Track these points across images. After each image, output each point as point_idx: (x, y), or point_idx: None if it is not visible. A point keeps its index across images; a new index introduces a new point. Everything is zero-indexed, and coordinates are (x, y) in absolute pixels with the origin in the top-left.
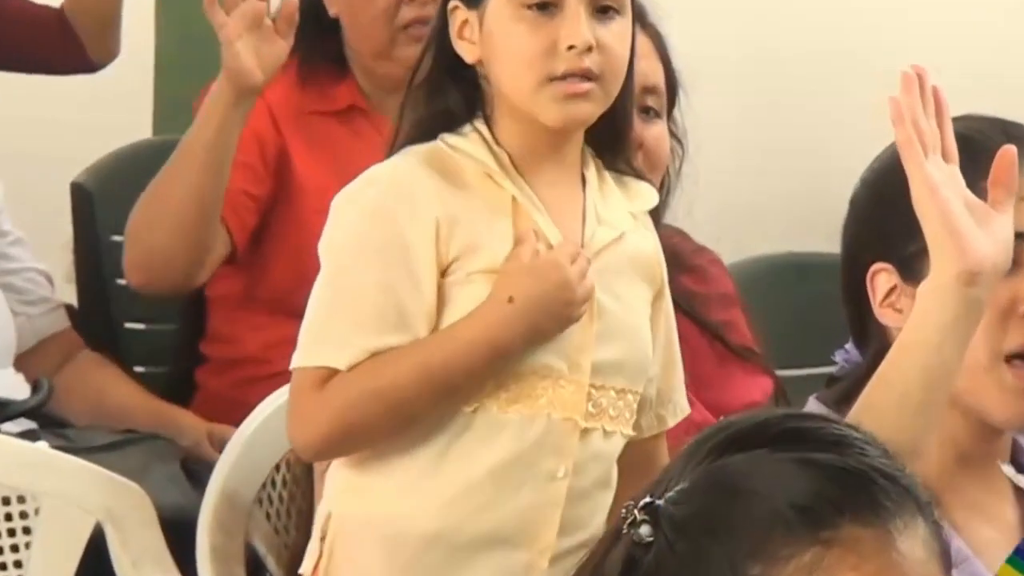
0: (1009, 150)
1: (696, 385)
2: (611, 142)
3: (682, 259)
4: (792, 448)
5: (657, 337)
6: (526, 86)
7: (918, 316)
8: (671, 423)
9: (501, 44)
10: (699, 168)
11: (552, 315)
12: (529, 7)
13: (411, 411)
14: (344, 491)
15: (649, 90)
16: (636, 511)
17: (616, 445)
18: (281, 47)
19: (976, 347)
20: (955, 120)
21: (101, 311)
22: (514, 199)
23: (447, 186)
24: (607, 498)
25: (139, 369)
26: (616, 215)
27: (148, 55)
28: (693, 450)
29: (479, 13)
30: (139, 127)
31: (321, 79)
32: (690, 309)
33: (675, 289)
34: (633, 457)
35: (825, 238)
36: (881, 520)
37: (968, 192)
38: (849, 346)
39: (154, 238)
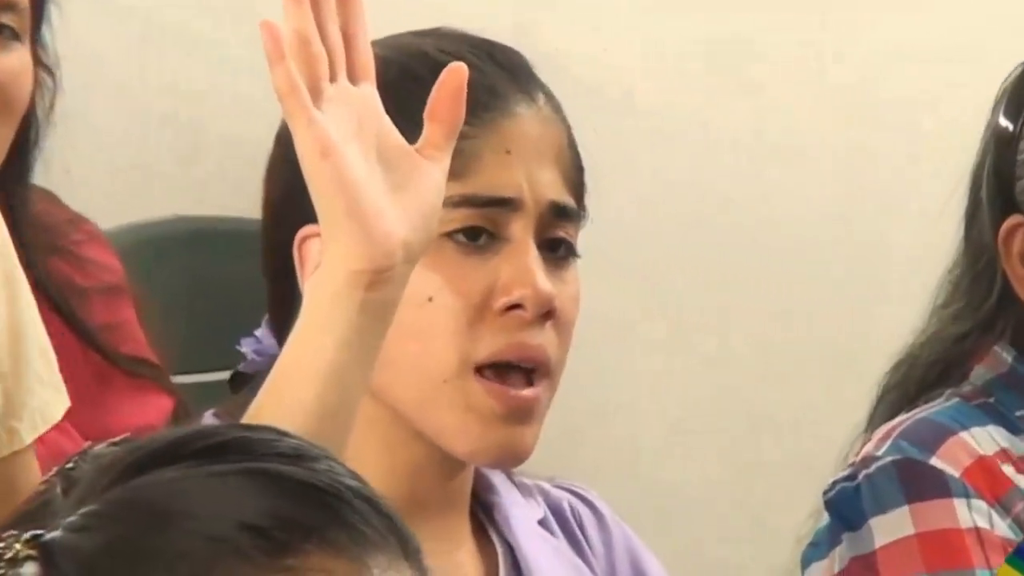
0: (457, 69)
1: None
2: None
3: (54, 235)
4: (239, 461)
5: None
6: None
7: (307, 327)
8: (29, 439)
9: None
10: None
11: None
12: None
13: None
14: None
15: (7, 5)
16: (17, 545)
17: None
18: None
19: (435, 354)
20: (422, 35)
21: None
22: None
23: None
24: None
25: None
26: None
27: None
28: (97, 472)
29: None
30: None
31: None
32: (64, 307)
33: (47, 277)
34: None
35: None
36: (359, 548)
37: (387, 129)
38: (262, 332)
39: None
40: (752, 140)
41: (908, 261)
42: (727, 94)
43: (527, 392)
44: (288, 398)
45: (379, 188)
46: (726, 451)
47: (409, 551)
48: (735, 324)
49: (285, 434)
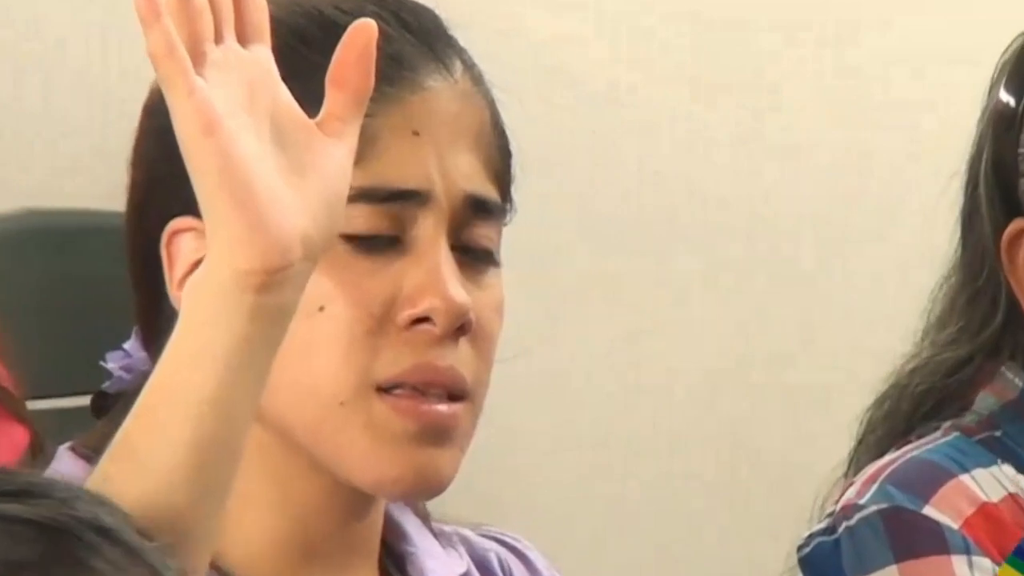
0: (364, 26)
1: None
2: None
3: None
4: None
5: None
6: None
7: (185, 338)
8: None
9: None
10: None
11: None
12: None
13: None
14: None
15: None
16: None
17: None
18: None
19: (328, 374)
20: None
21: None
22: None
23: None
24: None
25: None
26: None
27: None
28: None
29: None
30: None
31: None
32: None
33: None
34: None
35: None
36: None
37: (284, 99)
38: (132, 344)
39: None
40: (751, 138)
41: (908, 261)
42: (727, 94)
43: (443, 407)
44: (163, 421)
45: (274, 171)
46: (725, 451)
47: None
48: (731, 322)
49: (14, 473)
